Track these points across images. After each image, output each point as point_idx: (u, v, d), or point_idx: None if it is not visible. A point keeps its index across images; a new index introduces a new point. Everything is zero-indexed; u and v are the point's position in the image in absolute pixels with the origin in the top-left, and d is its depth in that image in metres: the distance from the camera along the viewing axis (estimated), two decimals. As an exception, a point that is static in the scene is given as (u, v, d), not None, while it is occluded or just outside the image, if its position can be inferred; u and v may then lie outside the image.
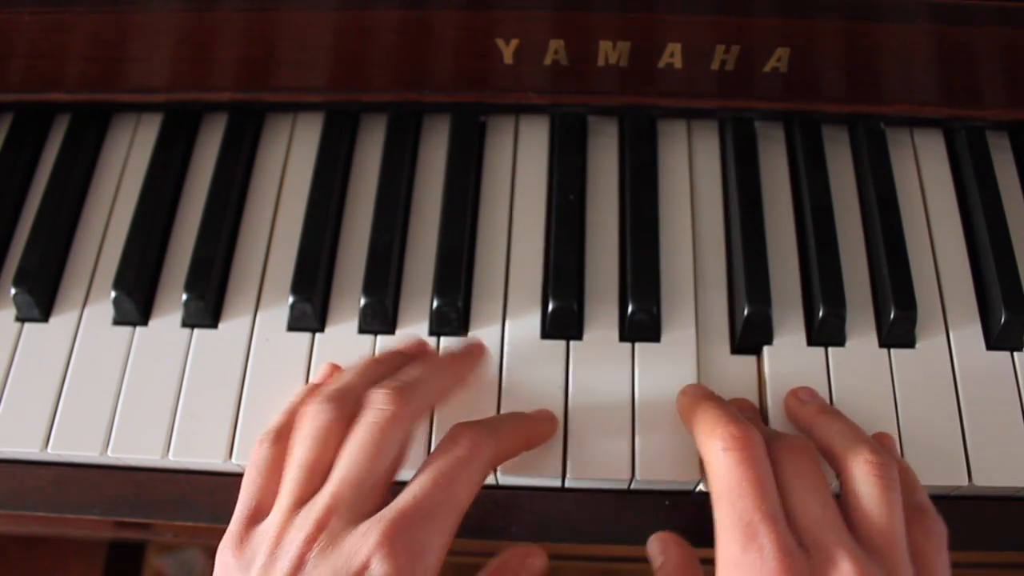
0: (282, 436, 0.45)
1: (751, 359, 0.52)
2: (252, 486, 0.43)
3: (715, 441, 0.42)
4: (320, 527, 0.39)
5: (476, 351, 0.50)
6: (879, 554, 0.39)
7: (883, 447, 0.44)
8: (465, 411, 0.48)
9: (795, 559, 0.37)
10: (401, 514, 0.39)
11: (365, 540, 0.38)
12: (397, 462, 0.43)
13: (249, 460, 0.45)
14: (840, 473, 0.43)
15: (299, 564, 0.38)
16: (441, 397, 0.46)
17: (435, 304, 0.52)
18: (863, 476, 0.41)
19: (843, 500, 0.42)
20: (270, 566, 0.39)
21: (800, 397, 0.49)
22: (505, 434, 0.44)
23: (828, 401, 0.50)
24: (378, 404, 0.42)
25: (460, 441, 0.42)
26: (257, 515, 0.42)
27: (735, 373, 0.51)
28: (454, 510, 0.40)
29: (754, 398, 0.50)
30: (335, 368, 0.50)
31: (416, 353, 0.49)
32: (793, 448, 0.43)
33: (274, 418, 0.46)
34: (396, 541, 0.38)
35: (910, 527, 0.41)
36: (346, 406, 0.43)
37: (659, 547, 0.46)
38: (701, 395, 0.47)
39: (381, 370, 0.46)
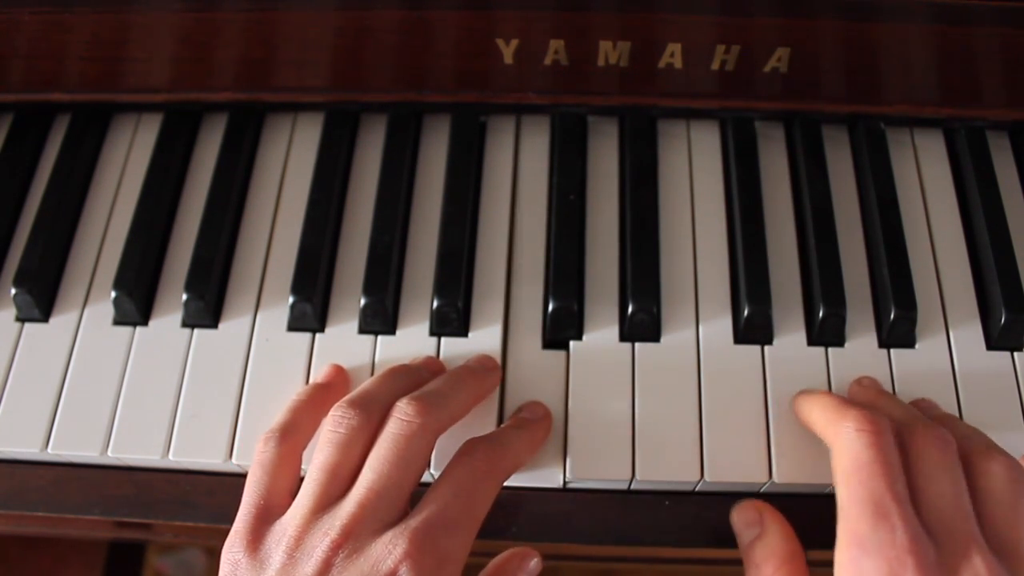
0: (287, 434, 0.45)
1: (753, 356, 0.52)
2: (260, 484, 0.43)
3: (847, 423, 0.42)
4: (346, 534, 0.39)
5: (492, 368, 0.50)
6: (1006, 557, 0.39)
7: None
8: (465, 411, 0.48)
9: (925, 543, 0.37)
10: (426, 524, 0.40)
11: (392, 549, 0.39)
12: (420, 471, 0.44)
13: (254, 459, 0.45)
14: (969, 471, 0.43)
15: (324, 569, 0.39)
16: (463, 411, 0.47)
17: (435, 304, 0.52)
18: (996, 477, 0.41)
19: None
20: (290, 568, 0.39)
21: (920, 406, 0.49)
22: (516, 447, 0.45)
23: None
24: (405, 415, 0.43)
25: (477, 455, 0.43)
26: (267, 514, 0.42)
27: (736, 370, 0.51)
28: (474, 521, 0.42)
29: (756, 395, 0.50)
30: (338, 368, 0.51)
31: (436, 370, 0.50)
32: (936, 437, 0.42)
33: (278, 416, 0.46)
34: (422, 551, 0.39)
35: None
36: (370, 412, 0.44)
37: (752, 517, 0.46)
38: (822, 391, 0.48)
39: (403, 381, 0.47)
